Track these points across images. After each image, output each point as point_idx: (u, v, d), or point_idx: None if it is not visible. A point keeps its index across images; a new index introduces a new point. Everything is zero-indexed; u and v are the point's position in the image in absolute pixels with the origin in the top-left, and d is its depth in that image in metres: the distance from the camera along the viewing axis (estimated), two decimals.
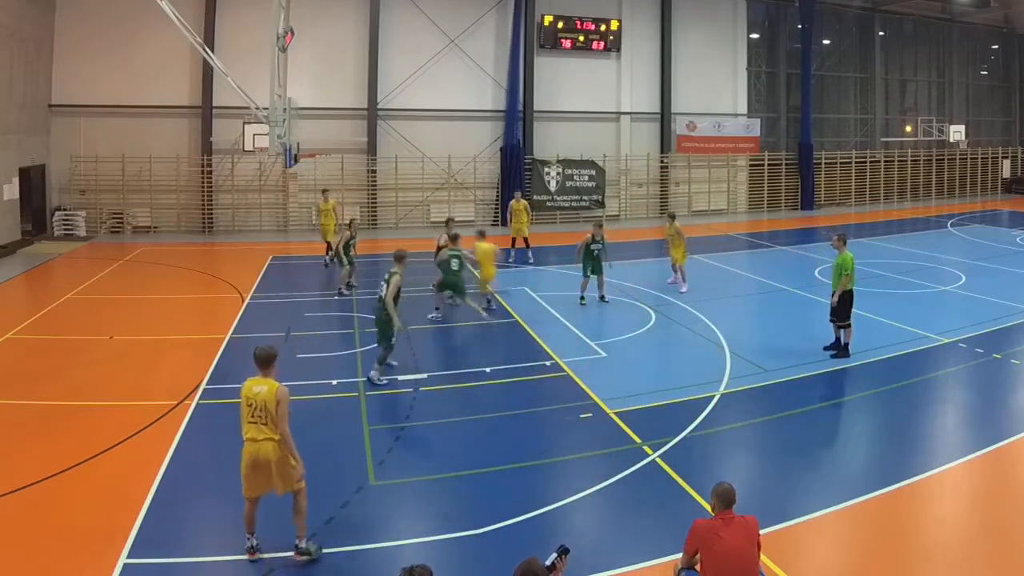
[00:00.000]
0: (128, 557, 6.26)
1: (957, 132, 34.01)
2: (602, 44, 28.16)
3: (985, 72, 38.69)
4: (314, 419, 9.00)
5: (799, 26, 31.52)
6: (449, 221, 16.46)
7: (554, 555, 4.55)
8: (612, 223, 27.98)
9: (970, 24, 36.72)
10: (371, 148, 25.70)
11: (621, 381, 10.71)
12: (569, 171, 27.83)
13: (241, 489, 6.30)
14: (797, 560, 6.38)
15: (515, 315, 14.34)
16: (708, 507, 5.81)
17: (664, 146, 29.69)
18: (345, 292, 15.83)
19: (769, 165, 31.63)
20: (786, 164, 32.08)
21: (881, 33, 34.52)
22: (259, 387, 6.21)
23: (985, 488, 7.80)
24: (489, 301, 14.64)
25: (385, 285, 10.51)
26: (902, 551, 6.55)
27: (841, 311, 11.60)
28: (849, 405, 10.32)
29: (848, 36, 34.20)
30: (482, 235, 14.98)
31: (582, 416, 9.43)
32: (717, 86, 30.63)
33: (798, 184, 32.15)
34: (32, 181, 22.65)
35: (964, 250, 21.83)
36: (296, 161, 19.31)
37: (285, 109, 16.95)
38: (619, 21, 28.28)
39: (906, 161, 35.23)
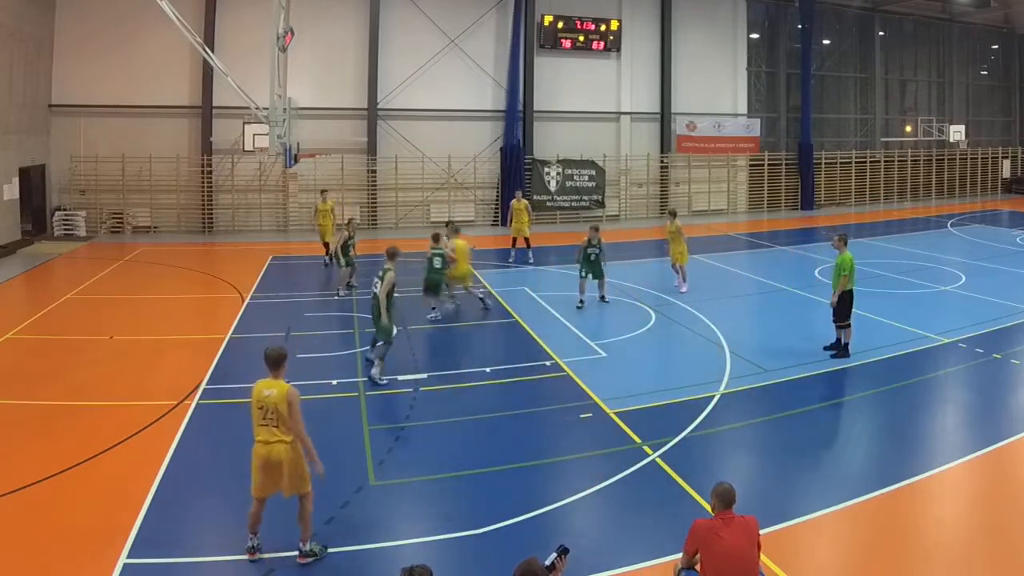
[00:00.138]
0: (128, 557, 6.26)
1: (957, 132, 34.01)
2: (602, 44, 28.16)
3: (985, 72, 38.69)
4: (314, 419, 8.88)
5: (799, 26, 31.52)
6: (450, 223, 16.49)
7: (554, 555, 4.54)
8: (612, 223, 28.00)
9: (970, 24, 36.72)
10: (371, 148, 25.70)
11: (621, 381, 10.71)
12: (569, 171, 27.83)
13: (250, 488, 6.29)
14: (797, 560, 6.38)
15: (515, 315, 14.34)
16: (708, 507, 5.81)
17: (664, 146, 29.69)
18: (343, 293, 15.83)
19: (769, 165, 31.63)
20: (786, 164, 32.08)
21: (881, 33, 34.52)
22: (269, 390, 6.20)
23: (985, 488, 7.80)
24: (483, 299, 14.78)
25: (379, 282, 10.62)
26: (902, 551, 6.55)
27: (841, 311, 11.60)
28: (849, 405, 10.32)
29: (848, 36, 34.20)
30: (456, 231, 15.02)
31: (582, 416, 9.43)
32: (717, 86, 30.63)
33: (798, 184, 32.16)
34: (32, 181, 22.65)
35: (964, 250, 21.83)
36: (296, 161, 19.31)
37: (285, 109, 16.95)
38: (619, 21, 28.28)
39: (906, 161, 35.23)
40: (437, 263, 13.80)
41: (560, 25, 27.55)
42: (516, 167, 26.80)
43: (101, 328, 13.35)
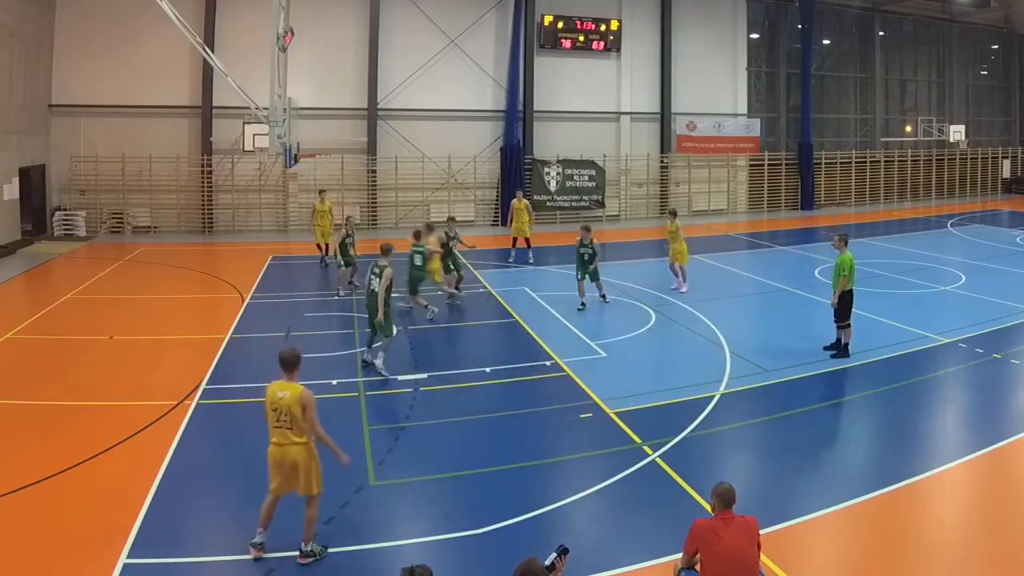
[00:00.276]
0: (128, 557, 6.26)
1: (957, 132, 34.00)
2: (602, 44, 28.15)
3: (985, 72, 38.69)
4: None
5: (799, 26, 31.51)
6: (450, 220, 16.58)
7: (553, 555, 4.54)
8: (612, 223, 28.04)
9: (970, 24, 36.71)
10: (371, 148, 25.70)
11: (621, 381, 10.71)
12: (569, 171, 27.83)
13: (259, 484, 6.30)
14: (797, 560, 6.38)
15: (515, 315, 14.34)
16: (708, 507, 5.81)
17: (664, 146, 29.68)
18: (343, 293, 15.83)
19: (769, 165, 31.63)
20: (786, 164, 32.07)
21: (881, 33, 34.51)
22: (283, 391, 6.22)
23: (985, 488, 7.80)
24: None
25: (376, 279, 10.80)
26: (902, 551, 6.55)
27: (841, 311, 11.60)
28: (849, 405, 10.32)
29: (848, 36, 34.19)
30: (430, 228, 15.30)
31: (582, 416, 9.43)
32: (717, 86, 30.63)
33: (798, 184, 32.15)
34: (32, 181, 22.65)
35: (964, 250, 21.83)
36: (296, 161, 19.30)
37: (285, 109, 16.94)
38: (619, 21, 28.28)
39: (906, 161, 35.23)
40: (417, 260, 14.11)
41: (560, 25, 27.54)
42: (516, 167, 26.80)
43: (101, 328, 13.35)
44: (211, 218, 24.92)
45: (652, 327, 13.61)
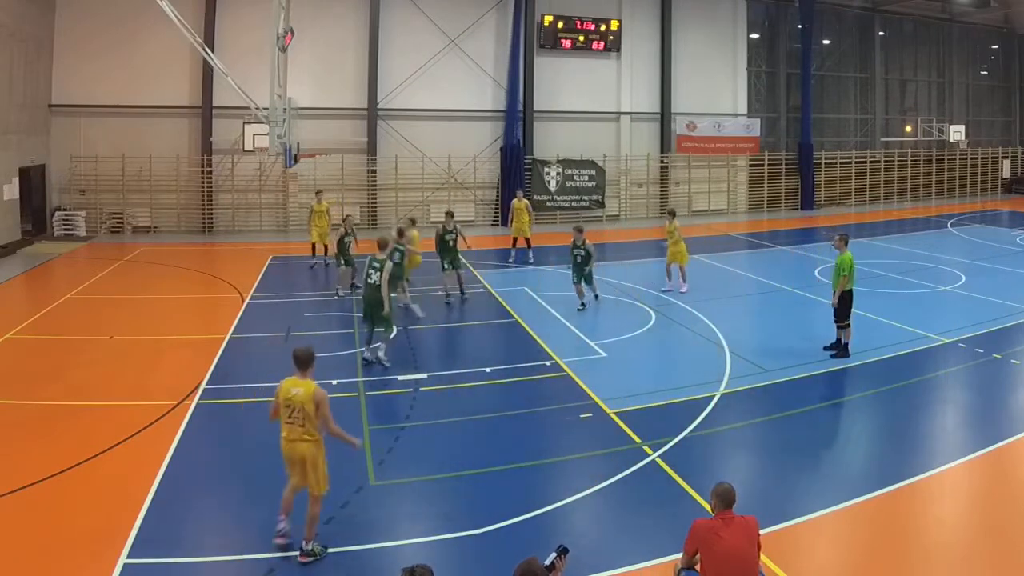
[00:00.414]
0: (128, 557, 6.26)
1: (957, 132, 34.00)
2: (602, 44, 28.15)
3: (985, 72, 38.69)
4: None
5: (799, 26, 31.51)
6: (448, 215, 16.46)
7: (553, 555, 4.55)
8: (612, 223, 28.04)
9: (970, 24, 36.71)
10: (371, 148, 25.70)
11: (621, 381, 10.71)
12: (569, 171, 27.83)
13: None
14: (797, 560, 6.38)
15: (515, 315, 14.34)
16: (708, 507, 5.81)
17: (664, 146, 29.68)
18: (343, 293, 15.82)
19: (769, 165, 31.62)
20: (786, 164, 32.07)
21: (881, 33, 34.51)
22: (296, 388, 6.31)
23: (985, 488, 7.80)
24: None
25: (376, 272, 11.09)
26: (902, 551, 6.55)
27: (841, 311, 11.60)
28: (849, 405, 10.32)
29: (848, 36, 34.19)
30: (413, 222, 15.80)
31: (582, 416, 9.43)
32: (717, 86, 30.63)
33: (798, 184, 32.15)
34: (32, 181, 22.65)
35: (964, 250, 21.83)
36: (296, 161, 19.29)
37: (285, 109, 16.94)
38: (619, 21, 28.28)
39: (906, 161, 35.23)
40: (396, 258, 14.00)
41: (560, 25, 27.54)
42: (516, 167, 26.80)
43: (101, 328, 13.35)
44: (211, 218, 24.92)
45: (652, 327, 13.61)
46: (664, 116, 29.55)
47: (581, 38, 27.88)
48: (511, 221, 20.37)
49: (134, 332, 13.09)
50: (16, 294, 16.84)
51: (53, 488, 7.49)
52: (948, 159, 36.33)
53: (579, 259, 14.47)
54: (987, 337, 12.66)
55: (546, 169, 27.53)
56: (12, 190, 21.13)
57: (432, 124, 26.55)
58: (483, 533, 6.72)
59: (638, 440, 8.67)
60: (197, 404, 9.74)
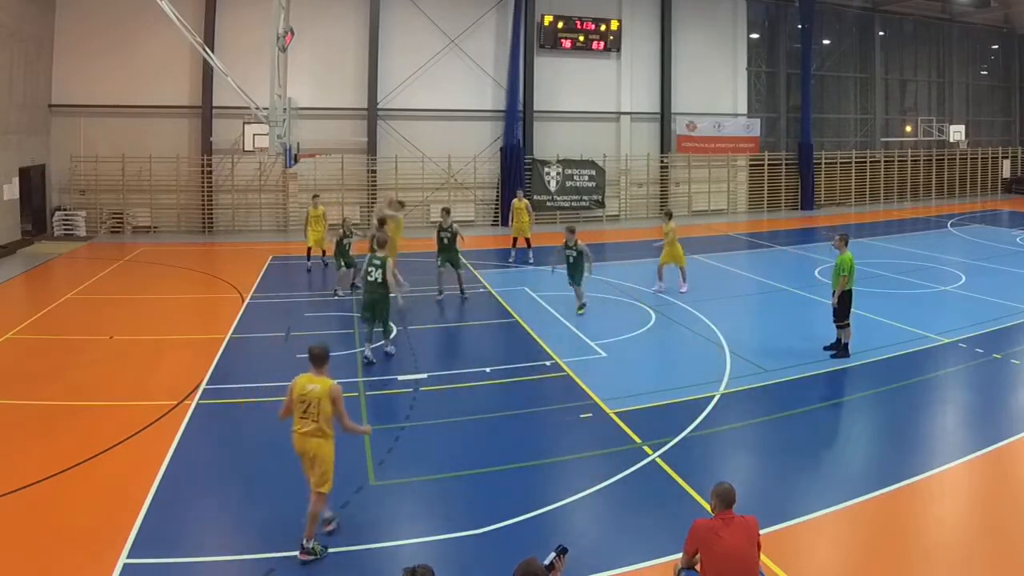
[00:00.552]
0: (128, 557, 6.26)
1: (957, 132, 34.00)
2: (602, 44, 28.15)
3: (985, 72, 38.69)
4: None
5: (799, 26, 31.51)
6: (444, 212, 16.38)
7: (553, 555, 4.55)
8: (612, 223, 28.05)
9: (970, 24, 36.71)
10: (371, 148, 25.70)
11: (621, 381, 10.71)
12: (569, 171, 27.83)
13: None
14: (797, 560, 6.38)
15: (515, 315, 14.34)
16: (708, 507, 5.81)
17: (664, 146, 29.68)
18: (343, 293, 15.81)
19: (769, 165, 31.62)
20: (786, 164, 32.07)
21: (881, 33, 34.51)
22: (312, 385, 6.41)
23: (985, 488, 7.80)
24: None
25: (376, 270, 11.34)
26: (902, 551, 6.55)
27: (840, 311, 11.60)
28: (849, 405, 10.32)
29: (848, 36, 34.19)
30: (402, 204, 16.47)
31: (582, 416, 9.42)
32: (717, 86, 30.62)
33: (798, 184, 32.15)
34: (32, 181, 22.64)
35: (964, 250, 21.83)
36: (296, 161, 19.28)
37: (285, 109, 16.94)
38: (619, 21, 28.27)
39: (906, 161, 35.23)
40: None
41: (560, 25, 27.54)
42: (516, 167, 26.80)
43: (101, 328, 13.35)
44: (211, 218, 24.92)
45: (652, 327, 13.61)
46: (664, 116, 29.54)
47: (581, 38, 27.88)
48: (511, 221, 20.36)
49: (134, 332, 13.09)
50: (16, 294, 16.84)
51: (53, 488, 7.48)
52: (948, 159, 36.33)
53: (571, 260, 14.22)
54: (987, 337, 12.66)
55: (546, 169, 27.53)
56: (12, 190, 21.13)
57: (432, 124, 26.55)
58: (483, 533, 6.72)
59: (638, 440, 8.66)
60: (197, 404, 9.74)
